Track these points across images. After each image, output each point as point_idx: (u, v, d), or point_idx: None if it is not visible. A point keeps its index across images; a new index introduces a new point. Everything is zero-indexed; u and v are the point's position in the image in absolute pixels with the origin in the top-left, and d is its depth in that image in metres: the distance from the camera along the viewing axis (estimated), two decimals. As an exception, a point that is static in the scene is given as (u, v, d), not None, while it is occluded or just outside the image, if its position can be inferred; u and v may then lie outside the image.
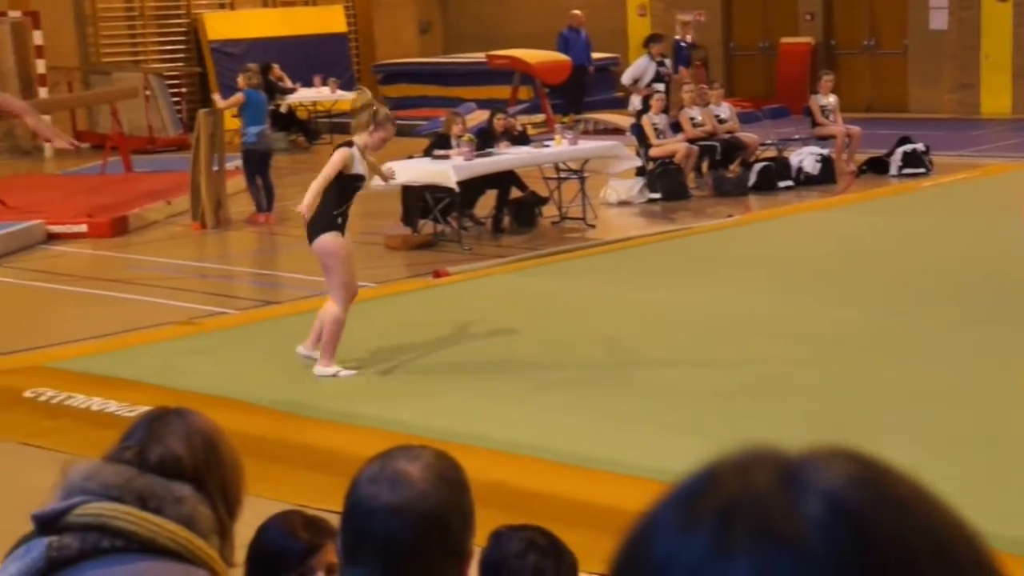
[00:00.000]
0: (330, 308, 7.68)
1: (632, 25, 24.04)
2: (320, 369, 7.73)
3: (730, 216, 13.04)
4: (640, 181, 14.30)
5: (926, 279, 9.61)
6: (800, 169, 14.85)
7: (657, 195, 14.19)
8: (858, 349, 7.85)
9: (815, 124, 15.75)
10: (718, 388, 7.19)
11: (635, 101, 16.77)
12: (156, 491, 2.11)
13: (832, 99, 15.83)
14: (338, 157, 7.53)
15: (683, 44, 18.95)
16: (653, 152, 14.58)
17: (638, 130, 15.02)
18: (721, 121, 15.44)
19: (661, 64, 16.35)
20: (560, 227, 13.02)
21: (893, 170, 15.09)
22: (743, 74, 23.98)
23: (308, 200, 7.53)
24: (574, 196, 13.26)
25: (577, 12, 22.12)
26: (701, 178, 15.01)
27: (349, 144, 7.65)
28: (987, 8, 21.17)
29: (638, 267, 10.87)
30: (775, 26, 23.21)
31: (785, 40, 22.89)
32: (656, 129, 14.79)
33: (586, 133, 17.67)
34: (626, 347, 8.21)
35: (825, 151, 15.16)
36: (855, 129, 15.69)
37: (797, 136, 16.01)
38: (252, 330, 9.07)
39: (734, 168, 14.80)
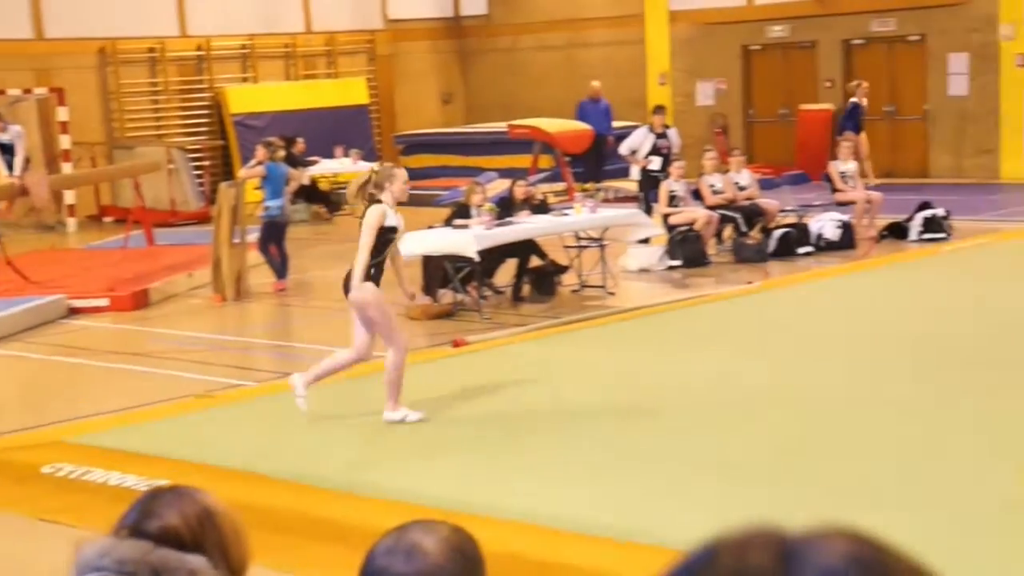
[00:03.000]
0: (389, 355, 7.92)
1: (652, 93, 24.19)
2: (388, 415, 7.98)
3: (750, 283, 13.02)
4: (660, 249, 14.30)
5: (947, 344, 9.54)
6: (820, 235, 14.84)
7: (677, 262, 14.19)
8: (880, 415, 7.79)
9: (835, 190, 15.76)
10: (740, 458, 7.13)
11: (634, 171, 16.95)
12: (170, 564, 2.10)
13: (852, 165, 15.84)
14: (374, 215, 7.81)
15: None
16: (673, 220, 14.60)
17: (656, 196, 15.11)
18: (741, 188, 15.47)
19: (661, 136, 16.40)
20: (580, 295, 13.02)
21: (913, 235, 15.05)
22: (763, 141, 24.06)
23: (360, 270, 7.78)
24: (594, 264, 13.28)
25: (595, 83, 22.30)
26: (721, 245, 15.01)
27: (378, 201, 7.90)
28: (1006, 74, 21.22)
29: (658, 335, 10.84)
30: (795, 93, 23.32)
31: (804, 107, 22.97)
32: (674, 196, 14.82)
33: (606, 201, 17.74)
34: (646, 416, 8.16)
35: (845, 217, 15.16)
36: (875, 195, 15.68)
37: (817, 202, 16.01)
38: (270, 402, 9.06)
39: (754, 235, 14.80)
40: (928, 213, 15.15)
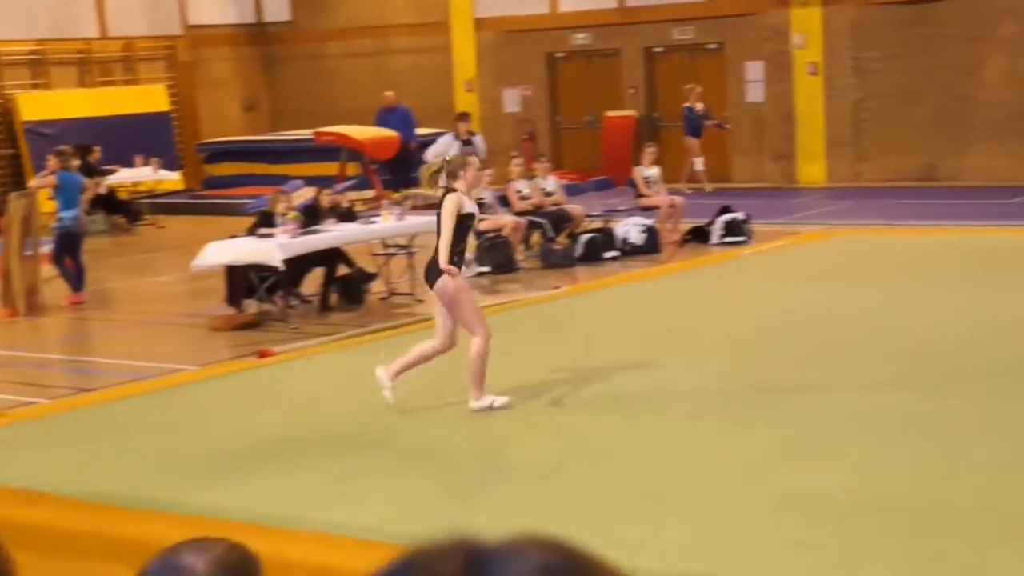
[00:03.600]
0: (473, 344, 8.01)
1: (460, 100, 24.23)
2: (475, 403, 8.07)
3: (557, 288, 13.12)
4: (468, 255, 14.29)
5: (749, 344, 9.75)
6: (625, 240, 15.06)
7: (486, 268, 14.21)
8: (678, 414, 7.90)
9: (639, 195, 16.02)
10: (554, 459, 7.13)
11: (442, 179, 16.91)
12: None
13: (655, 170, 16.13)
14: (452, 203, 7.94)
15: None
16: (481, 226, 14.60)
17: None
18: (548, 194, 15.59)
19: (467, 143, 16.44)
20: (389, 303, 12.91)
21: (715, 239, 15.40)
22: (570, 147, 24.35)
23: (444, 256, 7.89)
24: (403, 271, 13.20)
25: (389, 93, 22.20)
26: (529, 250, 15.09)
27: (453, 190, 8.04)
28: (799, 81, 21.95)
29: (467, 340, 10.78)
30: (600, 100, 23.66)
31: (609, 113, 23.34)
32: (482, 202, 14.84)
33: (414, 208, 17.67)
34: (454, 422, 8.10)
35: (650, 221, 15.42)
36: (678, 199, 15.99)
37: (622, 207, 16.25)
38: (64, 420, 8.68)
39: (561, 240, 14.94)
40: (729, 217, 15.52)
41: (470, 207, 8.07)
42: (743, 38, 22.38)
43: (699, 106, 21.01)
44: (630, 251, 14.95)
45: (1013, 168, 20.21)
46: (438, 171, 8.17)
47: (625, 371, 9.10)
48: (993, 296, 10.95)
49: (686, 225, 15.80)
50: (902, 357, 8.98)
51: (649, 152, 16.35)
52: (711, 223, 15.58)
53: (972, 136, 20.77)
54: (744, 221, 15.55)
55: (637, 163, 16.55)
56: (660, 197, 15.92)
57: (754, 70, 22.32)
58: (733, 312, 11.12)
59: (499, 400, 8.11)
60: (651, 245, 15.11)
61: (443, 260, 7.92)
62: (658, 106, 23.68)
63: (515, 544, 0.87)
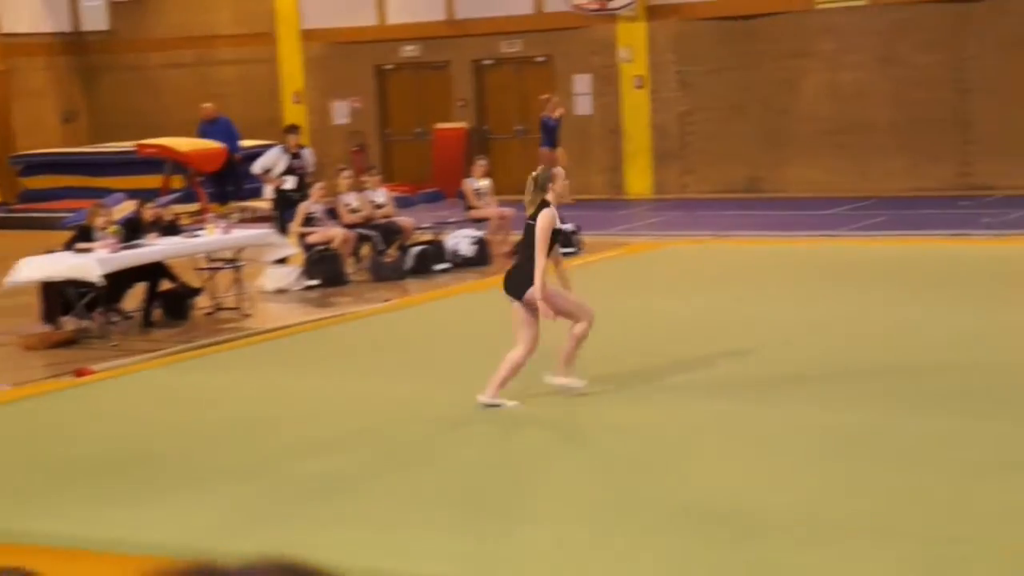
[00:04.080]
0: (515, 352, 8.21)
1: (288, 112, 23.88)
2: (484, 399, 8.19)
3: (387, 300, 12.98)
4: (297, 268, 14.07)
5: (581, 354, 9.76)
6: (456, 252, 15.00)
7: (315, 282, 13.99)
8: (516, 424, 7.85)
9: (469, 207, 15.99)
10: (376, 470, 7.00)
11: (267, 191, 16.67)
12: None
13: (486, 182, 16.11)
14: (547, 219, 8.13)
15: None
16: (310, 239, 14.40)
17: (291, 215, 14.85)
18: (378, 206, 15.44)
19: (295, 156, 16.23)
20: (214, 318, 12.59)
21: (546, 250, 15.43)
22: (400, 159, 24.22)
23: (539, 281, 8.01)
24: (229, 286, 12.89)
25: (207, 105, 21.74)
26: (359, 263, 14.91)
27: (547, 204, 8.20)
28: (625, 94, 22.25)
29: (296, 355, 10.60)
30: (430, 112, 23.60)
31: (439, 126, 23.29)
32: (312, 216, 14.63)
33: (242, 222, 17.32)
34: (284, 437, 7.90)
35: (480, 233, 15.39)
36: (508, 211, 16.01)
37: (452, 219, 16.19)
38: None
39: (392, 252, 14.80)
40: (558, 228, 15.56)
41: (558, 223, 8.30)
42: (570, 51, 22.59)
43: (557, 114, 21.05)
44: (461, 263, 14.89)
45: (831, 180, 20.82)
46: (533, 190, 8.28)
47: (453, 382, 9.01)
48: (812, 301, 11.20)
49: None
50: (734, 363, 9.10)
51: (480, 164, 16.34)
52: (541, 234, 15.60)
53: (793, 149, 21.33)
54: (574, 233, 15.63)
55: (468, 175, 16.51)
56: (490, 209, 15.92)
57: (581, 83, 22.54)
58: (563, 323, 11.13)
59: (510, 403, 8.21)
60: (482, 257, 15.08)
61: (538, 278, 8.00)
62: (488, 118, 23.74)
63: (253, 566, 0.86)
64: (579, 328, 8.28)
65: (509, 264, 14.89)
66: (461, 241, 15.14)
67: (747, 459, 6.95)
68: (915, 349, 9.28)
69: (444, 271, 14.70)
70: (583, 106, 22.25)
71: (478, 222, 15.79)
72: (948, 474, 6.45)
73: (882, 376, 8.53)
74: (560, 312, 8.22)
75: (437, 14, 23.33)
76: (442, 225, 15.96)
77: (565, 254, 15.19)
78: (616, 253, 15.33)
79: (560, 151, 20.62)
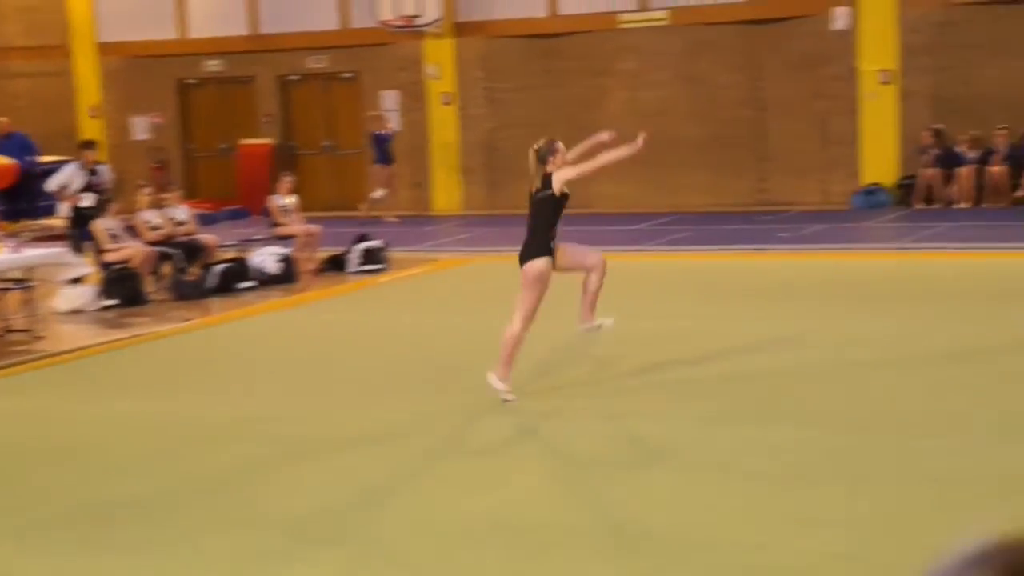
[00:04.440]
0: (512, 326, 8.31)
1: (85, 127, 23.11)
2: (496, 383, 8.30)
3: (188, 320, 12.61)
4: (93, 288, 13.56)
5: (389, 368, 9.64)
6: (261, 269, 14.69)
7: (114, 301, 13.50)
8: (334, 444, 7.67)
9: (275, 224, 15.69)
10: (174, 495, 6.73)
11: (63, 208, 16.08)
12: None
13: (292, 199, 15.84)
14: (559, 183, 8.36)
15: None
16: (108, 257, 13.91)
17: (88, 234, 14.32)
18: (179, 223, 15.01)
19: (92, 172, 15.69)
20: (4, 340, 12.01)
21: (352, 267, 15.27)
22: (204, 176, 23.69)
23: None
24: (20, 307, 12.33)
25: (2, 119, 20.88)
26: (160, 282, 14.46)
27: (548, 175, 8.41)
28: (433, 111, 22.22)
29: (90, 378, 10.18)
30: (235, 128, 23.14)
31: (244, 142, 22.86)
32: (111, 234, 14.13)
33: (36, 240, 16.63)
34: (77, 462, 7.54)
35: (286, 251, 15.11)
36: (314, 228, 15.77)
37: (258, 236, 15.86)
38: None
39: (194, 271, 14.40)
40: (366, 245, 15.42)
41: (566, 189, 8.39)
42: (378, 67, 22.46)
43: (386, 129, 20.88)
44: (266, 281, 14.58)
45: (638, 195, 21.17)
46: (537, 163, 8.46)
47: (252, 402, 8.78)
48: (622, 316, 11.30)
49: (323, 254, 15.60)
50: (536, 374, 9.09)
51: (286, 181, 16.06)
52: (348, 251, 15.44)
53: (598, 165, 21.58)
54: (382, 249, 15.49)
55: (273, 192, 16.21)
56: (297, 226, 15.65)
57: (389, 99, 22.42)
58: (371, 339, 11.00)
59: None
60: (288, 274, 14.80)
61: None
62: (294, 134, 23.41)
63: None
64: (513, 329, 8.35)
65: (316, 281, 14.75)
66: (266, 259, 14.83)
67: (552, 471, 6.92)
68: (719, 356, 9.43)
69: (249, 289, 14.37)
70: (391, 122, 22.13)
71: (284, 239, 15.50)
72: (741, 483, 6.54)
73: (687, 384, 8.64)
74: (523, 297, 8.34)
75: (240, 28, 22.92)
76: (247, 242, 15.62)
77: (373, 271, 15.16)
78: (424, 269, 15.25)
79: (393, 167, 20.55)
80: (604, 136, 8.76)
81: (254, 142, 22.83)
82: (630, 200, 21.13)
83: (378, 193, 21.02)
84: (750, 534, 5.76)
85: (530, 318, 8.34)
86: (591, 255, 8.69)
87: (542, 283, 8.34)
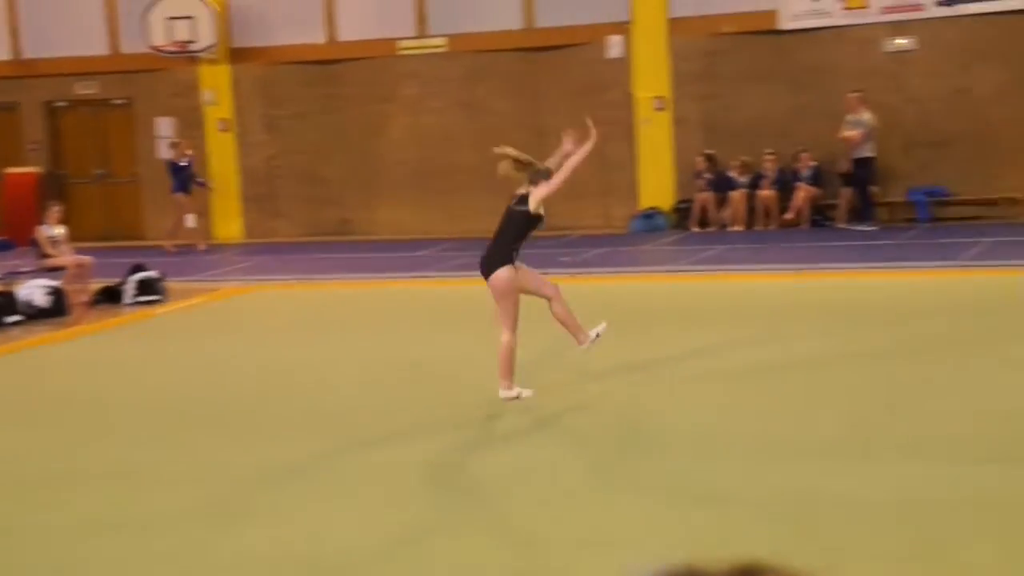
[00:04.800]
0: (503, 339, 8.51)
1: None
2: (504, 393, 8.54)
3: (-50, 358, 11.94)
4: None
5: (170, 403, 9.31)
6: (30, 303, 14.05)
7: None
8: (108, 478, 7.33)
9: (43, 255, 15.05)
10: None
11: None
12: None
13: (61, 229, 15.23)
14: (537, 199, 8.51)
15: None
16: None
17: None
18: (-62, 256, 14.24)
19: None
20: None
21: (128, 298, 14.77)
22: (-33, 207, 22.59)
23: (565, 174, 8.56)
24: None
25: None
26: (-82, 319, 13.67)
27: (525, 197, 8.58)
28: (211, 138, 21.76)
29: None
30: (0, 156, 22.18)
31: (10, 170, 21.93)
32: None
33: None
34: None
35: (56, 283, 14.50)
36: (86, 259, 15.19)
37: (25, 268, 15.18)
38: None
39: (-44, 306, 13.66)
40: (142, 276, 14.94)
41: (542, 209, 8.58)
42: (151, 93, 21.89)
43: (185, 157, 20.28)
44: (35, 315, 13.95)
45: (418, 221, 21.17)
46: (525, 165, 8.52)
47: (14, 442, 8.35)
48: (407, 342, 11.23)
49: (96, 285, 15.03)
50: (313, 405, 8.93)
51: (54, 211, 15.42)
52: (123, 283, 14.93)
53: (381, 191, 21.54)
54: (158, 279, 15.03)
55: (42, 222, 15.55)
56: (67, 257, 15.04)
57: (164, 126, 21.86)
58: (147, 371, 10.63)
59: (525, 392, 8.59)
60: (58, 308, 14.19)
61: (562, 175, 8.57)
62: (64, 162, 22.59)
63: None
64: (503, 340, 8.50)
65: (89, 314, 14.18)
66: (35, 291, 14.20)
67: (336, 501, 6.78)
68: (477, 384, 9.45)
69: (16, 324, 13.71)
70: (166, 150, 21.58)
71: (54, 271, 14.87)
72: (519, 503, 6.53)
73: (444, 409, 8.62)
74: (502, 309, 8.52)
75: (2, 53, 22.01)
76: (13, 275, 14.93)
77: (149, 302, 14.68)
78: (204, 299, 14.86)
79: (190, 197, 20.07)
80: (569, 146, 8.85)
81: (20, 171, 21.92)
82: (412, 226, 21.12)
83: (190, 221, 20.49)
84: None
85: (514, 326, 8.55)
86: (547, 286, 8.88)
87: (511, 290, 8.54)
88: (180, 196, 20.52)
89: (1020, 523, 5.76)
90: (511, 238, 8.60)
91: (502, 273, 8.53)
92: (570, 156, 8.73)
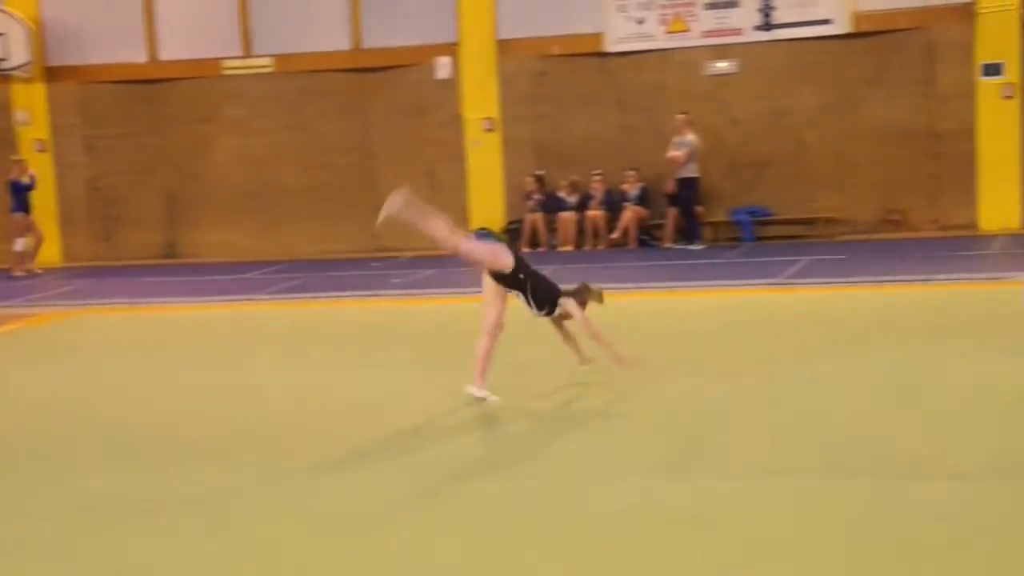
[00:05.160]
0: (480, 340, 8.86)
1: None
2: (474, 390, 8.75)
3: None
4: None
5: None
6: None
7: None
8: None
9: None
10: None
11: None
12: None
13: None
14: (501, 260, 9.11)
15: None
16: None
17: None
18: None
19: None
20: None
21: (-62, 326, 14.12)
22: None
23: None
24: None
25: None
26: None
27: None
28: (28, 159, 21.02)
29: None
30: None
31: None
32: None
33: None
34: None
35: None
36: None
37: None
38: None
39: None
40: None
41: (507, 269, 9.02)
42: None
43: (26, 178, 19.44)
44: None
45: (247, 243, 20.81)
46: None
47: None
48: (232, 369, 10.98)
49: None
50: (145, 431, 8.64)
51: None
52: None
53: (207, 213, 21.12)
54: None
55: None
56: None
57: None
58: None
59: (492, 397, 8.74)
60: None
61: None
62: None
63: None
64: (483, 343, 8.85)
65: None
66: None
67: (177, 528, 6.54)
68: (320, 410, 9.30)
69: None
70: (32, 168, 20.75)
71: None
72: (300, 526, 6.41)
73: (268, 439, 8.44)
74: (491, 307, 8.90)
75: None
76: None
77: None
78: (19, 325, 14.30)
79: (32, 217, 19.31)
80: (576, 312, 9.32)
81: None
82: (239, 249, 20.75)
83: (19, 245, 19.66)
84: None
85: (498, 330, 8.89)
86: (492, 316, 9.01)
87: (497, 295, 8.96)
88: (19, 216, 19.75)
89: (810, 535, 5.86)
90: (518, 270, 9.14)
91: (504, 256, 9.05)
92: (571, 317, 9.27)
